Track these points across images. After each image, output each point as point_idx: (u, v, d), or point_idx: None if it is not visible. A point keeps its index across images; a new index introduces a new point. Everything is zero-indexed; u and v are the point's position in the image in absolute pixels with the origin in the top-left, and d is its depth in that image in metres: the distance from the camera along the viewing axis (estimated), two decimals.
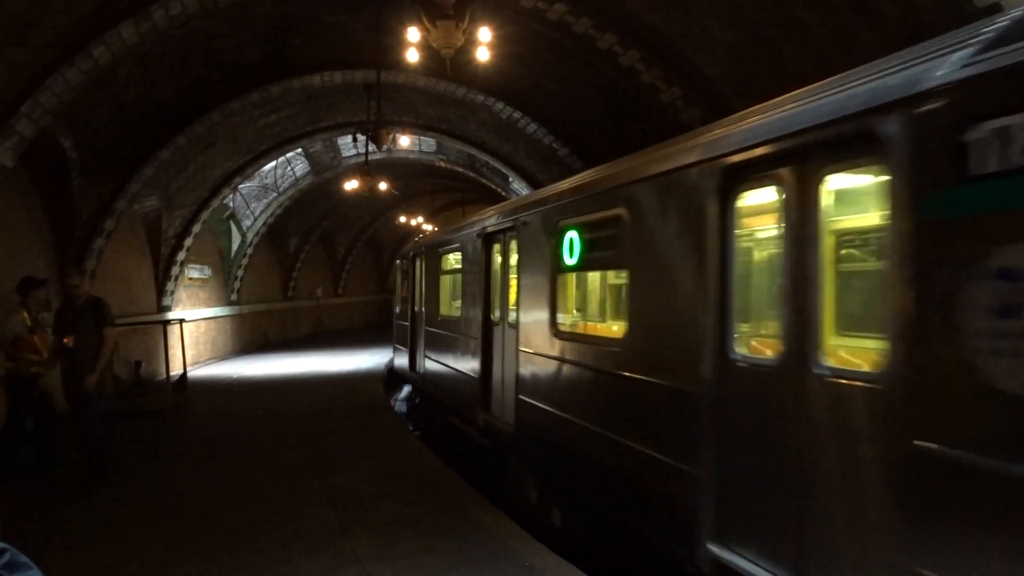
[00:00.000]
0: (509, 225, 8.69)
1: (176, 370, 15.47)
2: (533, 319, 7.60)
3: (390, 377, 18.16)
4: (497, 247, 9.32)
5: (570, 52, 11.24)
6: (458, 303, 11.24)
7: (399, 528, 6.70)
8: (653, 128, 11.31)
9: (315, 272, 30.28)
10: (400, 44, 10.25)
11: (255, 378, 17.90)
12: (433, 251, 12.85)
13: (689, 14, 9.30)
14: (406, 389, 17.11)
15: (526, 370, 7.77)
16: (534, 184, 16.52)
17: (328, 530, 6.71)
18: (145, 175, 13.66)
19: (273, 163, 20.04)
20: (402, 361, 15.90)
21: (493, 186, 22.21)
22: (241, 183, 19.18)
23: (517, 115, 14.34)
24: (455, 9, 8.43)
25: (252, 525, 6.91)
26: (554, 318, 7.09)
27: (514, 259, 8.62)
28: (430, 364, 12.67)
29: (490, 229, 9.42)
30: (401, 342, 16.17)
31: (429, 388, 13.05)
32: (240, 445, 10.61)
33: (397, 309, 17.01)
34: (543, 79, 12.97)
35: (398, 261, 17.90)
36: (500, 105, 14.27)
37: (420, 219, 32.50)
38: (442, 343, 11.75)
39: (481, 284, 9.59)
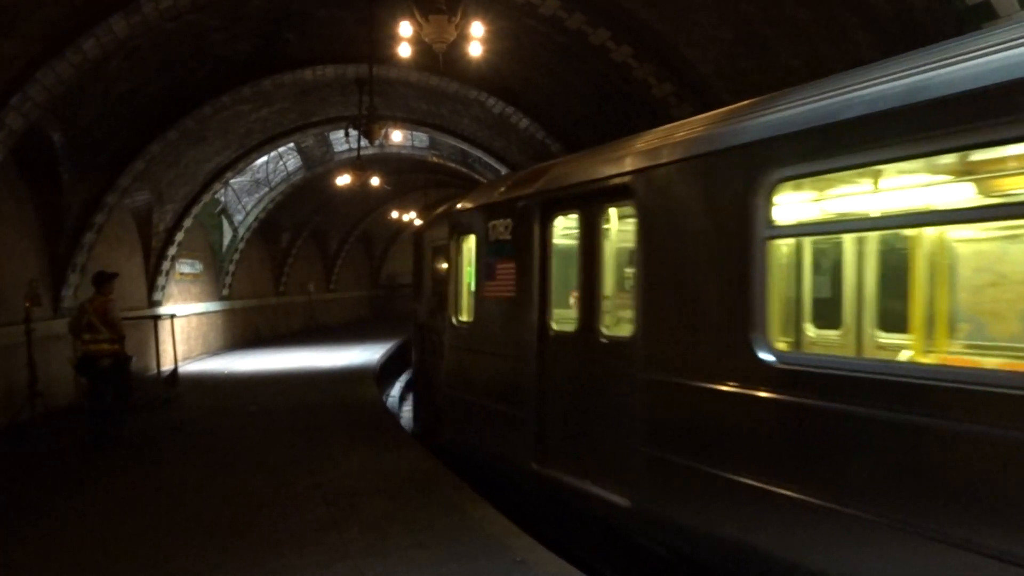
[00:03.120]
0: None
1: (167, 365, 15.42)
2: None
3: (382, 373, 18.13)
4: None
5: (563, 48, 11.23)
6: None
7: (391, 524, 6.71)
8: (645, 124, 11.30)
9: (307, 267, 30.18)
10: (392, 39, 10.23)
11: (247, 373, 17.86)
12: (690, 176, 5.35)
13: (681, 10, 9.31)
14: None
15: None
16: None
17: (319, 525, 6.71)
18: (136, 169, 13.60)
19: (265, 158, 19.95)
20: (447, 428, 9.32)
21: (486, 182, 22.19)
22: (232, 178, 19.09)
23: (510, 110, 14.32)
24: (447, 4, 8.45)
25: (243, 520, 6.91)
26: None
27: None
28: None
29: None
30: (460, 389, 8.80)
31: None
32: (231, 440, 10.59)
33: (451, 320, 9.01)
34: (536, 75, 12.96)
35: (450, 225, 9.33)
36: (493, 100, 14.25)
37: (413, 214, 32.45)
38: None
39: None
